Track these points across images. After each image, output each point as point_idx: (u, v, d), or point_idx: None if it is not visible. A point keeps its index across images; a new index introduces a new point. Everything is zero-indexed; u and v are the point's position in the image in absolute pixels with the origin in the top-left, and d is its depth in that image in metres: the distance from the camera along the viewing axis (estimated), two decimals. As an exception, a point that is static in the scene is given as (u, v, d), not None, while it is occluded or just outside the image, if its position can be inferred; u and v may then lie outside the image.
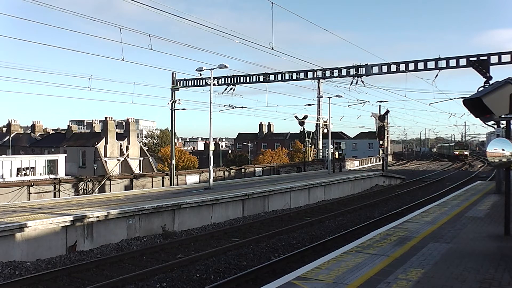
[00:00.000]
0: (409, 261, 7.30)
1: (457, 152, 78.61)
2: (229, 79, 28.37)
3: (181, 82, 30.01)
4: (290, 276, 6.53)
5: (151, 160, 62.37)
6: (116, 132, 58.85)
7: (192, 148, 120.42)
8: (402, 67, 23.91)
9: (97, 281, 9.36)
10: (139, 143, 64.28)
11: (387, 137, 43.61)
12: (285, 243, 13.10)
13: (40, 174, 37.43)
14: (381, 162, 43.94)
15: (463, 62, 22.20)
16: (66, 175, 37.62)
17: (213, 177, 21.98)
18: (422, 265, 7.07)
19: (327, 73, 26.96)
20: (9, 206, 14.83)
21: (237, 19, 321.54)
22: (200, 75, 22.64)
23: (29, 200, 20.78)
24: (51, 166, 39.46)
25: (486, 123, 10.12)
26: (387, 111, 39.42)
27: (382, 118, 39.13)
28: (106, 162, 53.21)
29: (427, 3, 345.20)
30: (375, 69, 24.98)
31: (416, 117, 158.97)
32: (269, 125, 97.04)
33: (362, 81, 26.01)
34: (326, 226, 16.05)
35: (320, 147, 45.21)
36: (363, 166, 58.87)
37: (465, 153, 78.38)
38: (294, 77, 27.22)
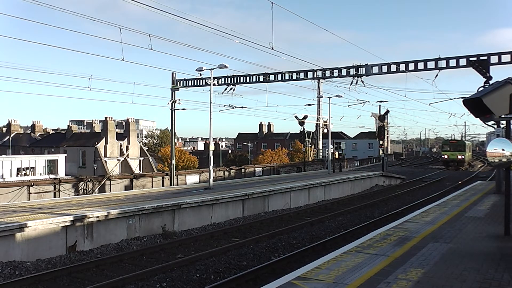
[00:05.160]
0: (409, 261, 7.30)
1: (446, 156, 53.28)
2: (229, 79, 28.38)
3: (181, 82, 30.02)
4: (290, 276, 6.53)
5: (151, 160, 62.35)
6: (116, 132, 58.81)
7: (192, 148, 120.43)
8: (402, 67, 23.91)
9: (97, 281, 9.36)
10: (139, 143, 64.26)
11: (387, 137, 43.70)
12: (285, 243, 13.10)
13: (40, 174, 37.41)
14: (381, 162, 43.89)
15: (463, 62, 22.21)
16: (66, 175, 37.61)
17: (213, 177, 21.98)
18: (422, 265, 7.07)
19: (327, 73, 26.97)
20: (9, 206, 14.83)
21: (241, 19, 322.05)
22: (200, 75, 22.65)
23: (29, 200, 20.79)
24: (51, 166, 39.44)
25: (486, 123, 10.13)
26: (387, 111, 39.47)
27: (382, 118, 39.18)
28: (106, 162, 53.18)
29: (428, 2, 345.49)
30: (375, 69, 24.98)
31: (416, 117, 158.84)
32: (269, 125, 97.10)
33: (362, 81, 26.03)
34: (326, 226, 16.04)
35: (320, 147, 45.23)
36: (363, 166, 58.82)
37: (460, 157, 51.96)
38: (294, 77, 27.23)
